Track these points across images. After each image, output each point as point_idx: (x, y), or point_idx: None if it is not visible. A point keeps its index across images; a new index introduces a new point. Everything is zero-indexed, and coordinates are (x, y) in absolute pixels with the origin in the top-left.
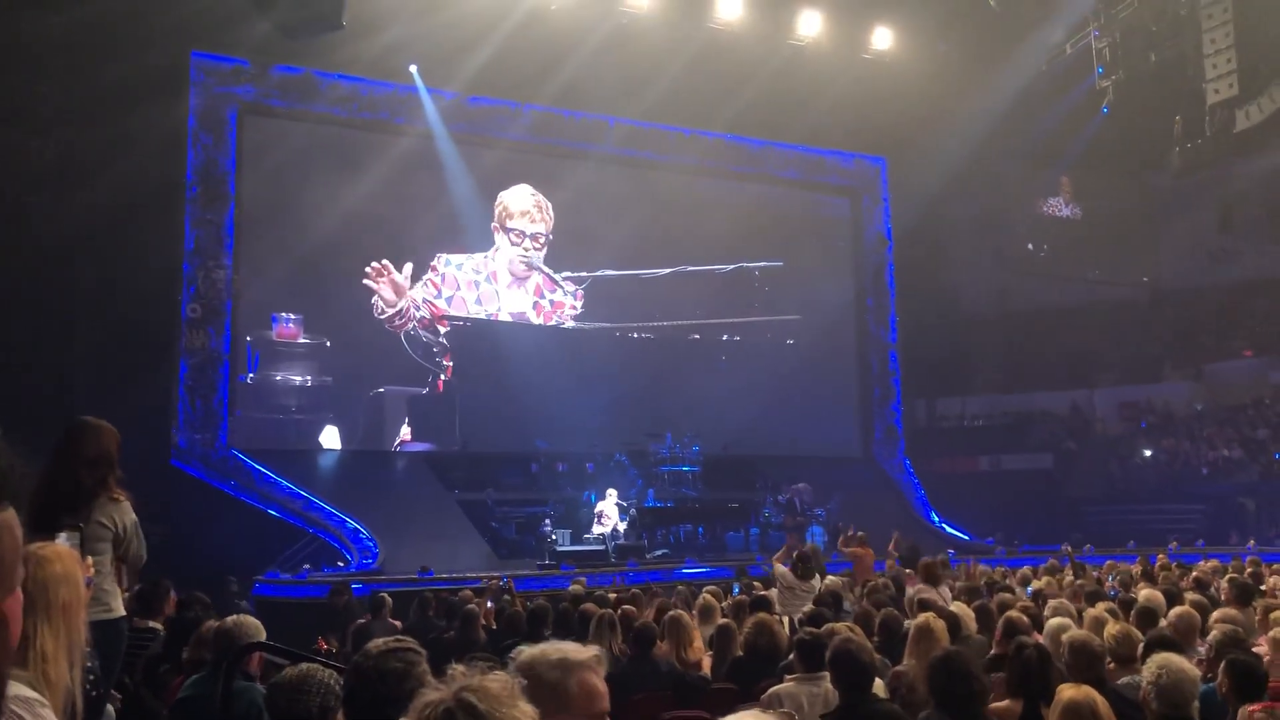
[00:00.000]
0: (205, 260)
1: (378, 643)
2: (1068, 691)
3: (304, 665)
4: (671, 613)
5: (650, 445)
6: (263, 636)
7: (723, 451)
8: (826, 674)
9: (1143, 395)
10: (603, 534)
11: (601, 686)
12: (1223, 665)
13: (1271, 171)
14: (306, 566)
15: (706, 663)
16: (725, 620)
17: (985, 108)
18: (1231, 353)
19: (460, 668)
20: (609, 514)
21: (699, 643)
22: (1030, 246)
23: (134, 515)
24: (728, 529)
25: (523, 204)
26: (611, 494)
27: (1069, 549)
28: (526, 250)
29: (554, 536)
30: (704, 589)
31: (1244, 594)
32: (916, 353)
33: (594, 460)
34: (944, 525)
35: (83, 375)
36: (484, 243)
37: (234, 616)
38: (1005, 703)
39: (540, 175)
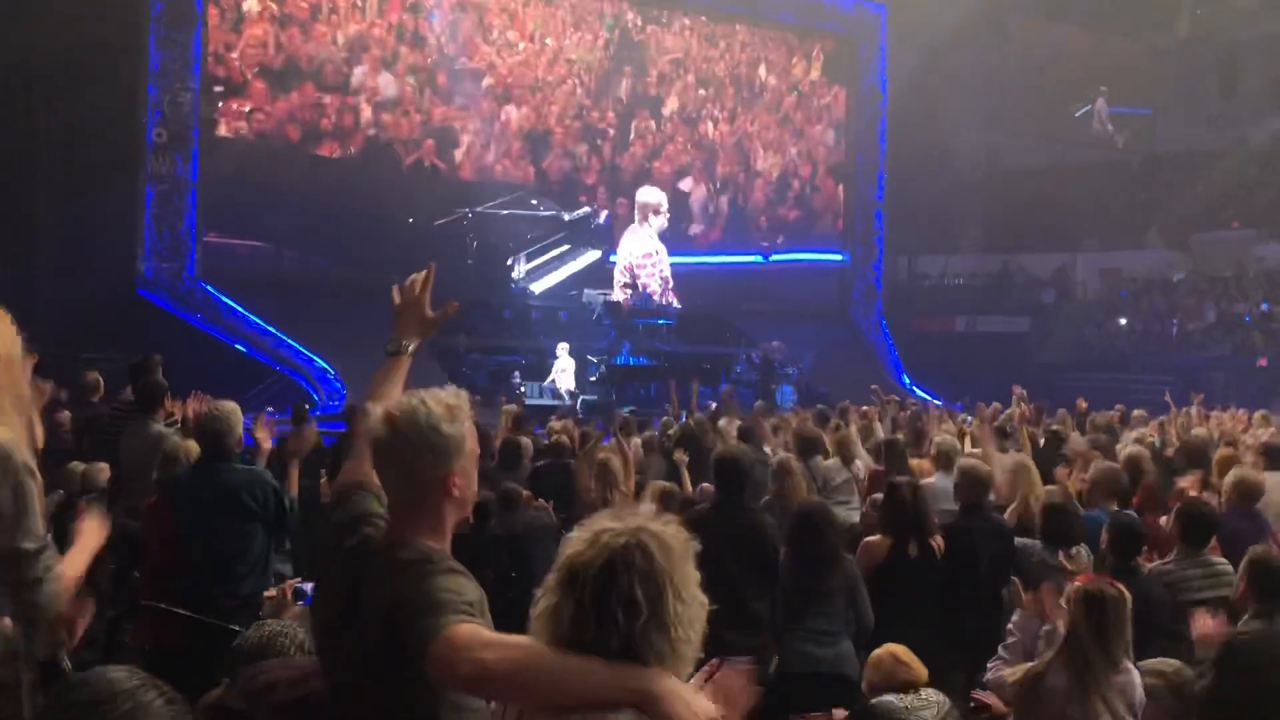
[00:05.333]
0: (171, 83)
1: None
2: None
3: (268, 628)
4: (602, 456)
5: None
6: (240, 422)
7: (698, 305)
8: None
9: (1125, 262)
10: (568, 389)
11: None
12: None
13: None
14: (270, 409)
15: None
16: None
17: None
18: (1220, 223)
19: (650, 506)
20: (565, 368)
21: (628, 487)
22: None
23: None
24: (699, 385)
25: None
26: (563, 349)
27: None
28: None
29: (523, 389)
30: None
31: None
32: (901, 207)
33: (568, 309)
34: (914, 388)
35: (45, 202)
36: None
37: (210, 405)
38: (876, 538)
39: (525, 9)
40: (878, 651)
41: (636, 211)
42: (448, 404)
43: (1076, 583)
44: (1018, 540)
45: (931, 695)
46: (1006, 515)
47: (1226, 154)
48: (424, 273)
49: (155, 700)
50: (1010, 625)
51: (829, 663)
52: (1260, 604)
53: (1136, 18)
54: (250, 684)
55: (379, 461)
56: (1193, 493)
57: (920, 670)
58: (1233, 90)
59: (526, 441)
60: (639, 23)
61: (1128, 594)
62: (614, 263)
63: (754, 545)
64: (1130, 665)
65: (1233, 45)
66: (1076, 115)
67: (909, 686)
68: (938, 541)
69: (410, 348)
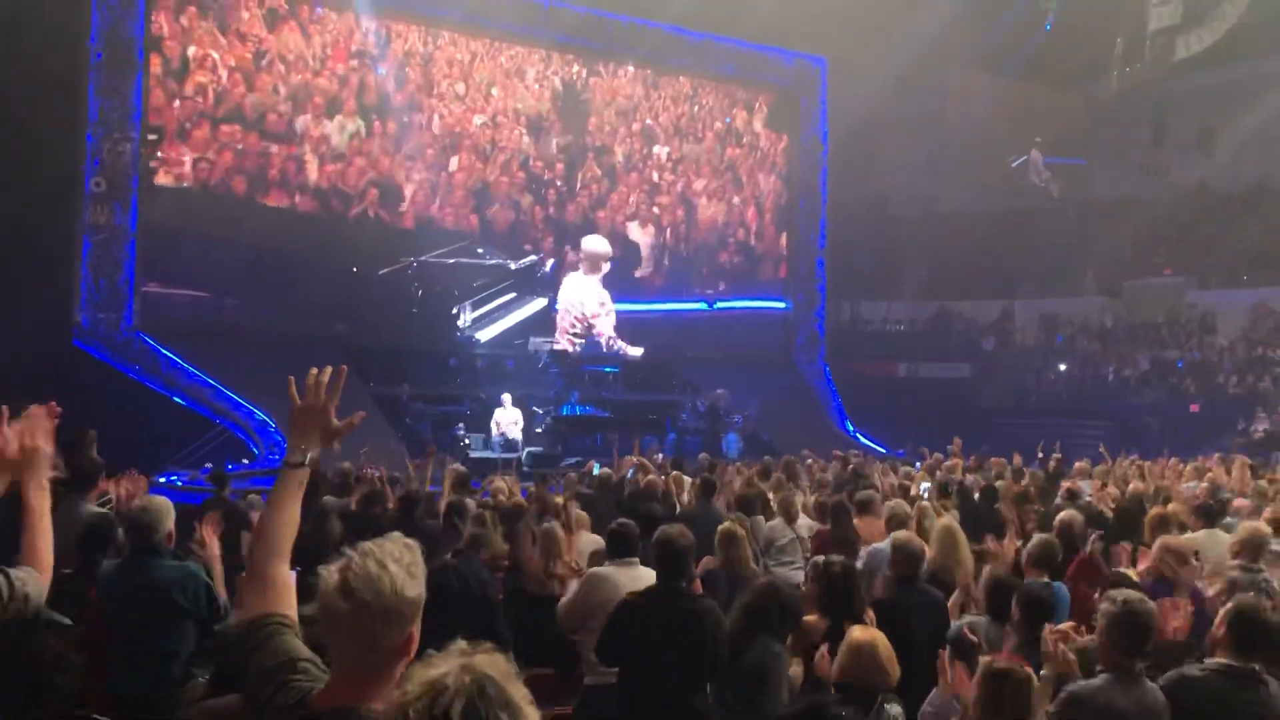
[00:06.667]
0: (111, 132)
1: None
2: (856, 632)
3: None
4: (546, 525)
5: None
6: (171, 517)
7: (645, 354)
8: (637, 560)
9: (1062, 308)
10: (514, 440)
11: None
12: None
13: (1208, 88)
14: (208, 465)
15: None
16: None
17: (933, 11)
18: (1152, 269)
19: (462, 643)
20: (512, 419)
21: (569, 557)
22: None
23: None
24: (645, 435)
25: None
26: (507, 398)
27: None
28: None
29: (467, 441)
30: None
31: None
32: (843, 254)
33: (514, 357)
34: (858, 435)
35: None
36: None
37: (140, 500)
38: (813, 618)
39: (472, 62)
40: (860, 637)
41: (583, 261)
42: (407, 563)
43: (986, 660)
44: (968, 617)
45: (893, 714)
46: (950, 603)
47: (1157, 201)
48: (330, 373)
49: None
50: (928, 701)
51: None
52: (1234, 651)
53: (1070, 71)
54: None
55: (334, 633)
56: (1125, 567)
57: (893, 675)
58: (1163, 140)
59: (471, 504)
60: (584, 74)
61: (1033, 675)
62: (557, 310)
63: (693, 635)
64: None
65: (1162, 97)
66: (1013, 165)
67: (874, 691)
68: (870, 616)
69: (311, 457)
